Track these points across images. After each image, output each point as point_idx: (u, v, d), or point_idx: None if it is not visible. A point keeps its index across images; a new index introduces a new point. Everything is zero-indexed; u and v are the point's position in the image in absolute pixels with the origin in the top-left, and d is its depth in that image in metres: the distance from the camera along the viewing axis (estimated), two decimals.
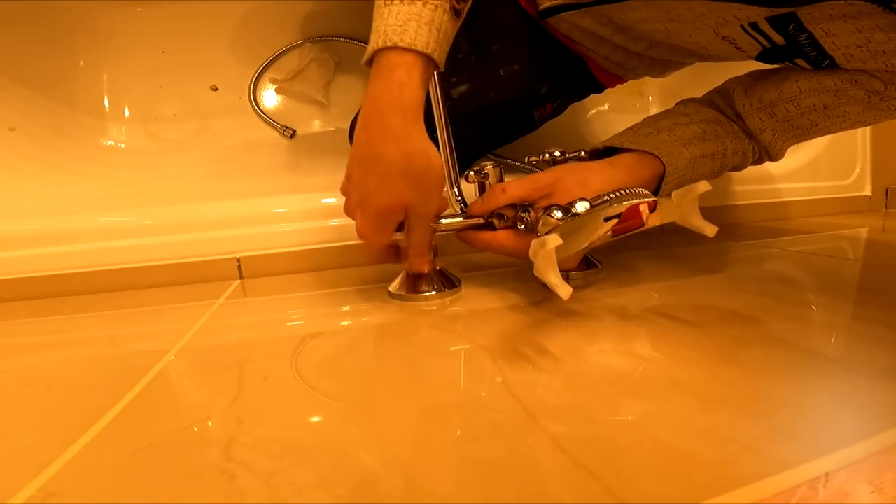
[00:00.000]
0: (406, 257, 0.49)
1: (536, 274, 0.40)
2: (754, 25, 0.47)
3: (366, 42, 0.43)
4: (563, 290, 0.38)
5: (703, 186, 0.42)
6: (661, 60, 0.64)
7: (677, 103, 0.60)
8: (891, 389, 0.28)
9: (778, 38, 0.48)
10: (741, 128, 0.56)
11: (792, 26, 0.45)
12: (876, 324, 0.38)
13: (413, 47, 0.41)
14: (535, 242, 0.38)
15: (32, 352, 0.44)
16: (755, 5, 0.45)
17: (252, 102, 1.01)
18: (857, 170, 0.97)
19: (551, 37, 0.66)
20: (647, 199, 0.42)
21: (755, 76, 0.56)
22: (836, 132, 0.55)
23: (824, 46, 0.46)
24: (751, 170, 0.83)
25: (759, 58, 0.53)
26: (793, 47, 0.48)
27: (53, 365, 0.39)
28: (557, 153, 0.55)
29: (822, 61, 0.48)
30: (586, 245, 0.44)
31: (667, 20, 0.52)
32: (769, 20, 0.46)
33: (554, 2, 0.59)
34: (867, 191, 0.98)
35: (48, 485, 0.23)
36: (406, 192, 0.42)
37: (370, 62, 0.43)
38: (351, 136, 0.76)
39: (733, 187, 0.85)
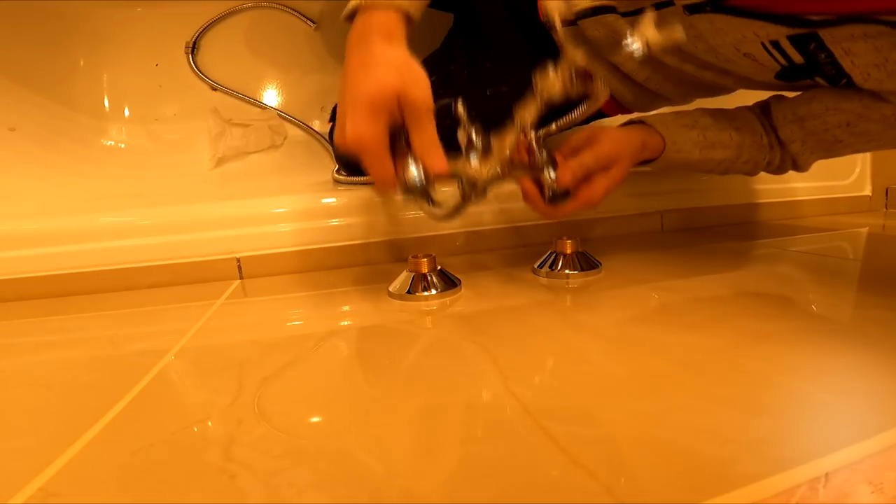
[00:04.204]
0: (401, 187, 0.45)
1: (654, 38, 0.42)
2: (775, 44, 0.48)
3: None
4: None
5: (679, 31, 0.42)
6: (677, 87, 0.64)
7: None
8: (891, 389, 0.28)
9: (797, 57, 0.48)
10: (774, 137, 0.59)
11: (813, 45, 0.46)
12: (876, 324, 0.38)
13: (391, 5, 0.43)
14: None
15: (32, 352, 0.44)
16: (777, 24, 0.45)
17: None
18: (857, 170, 0.97)
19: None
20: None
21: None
22: (861, 151, 0.58)
23: (843, 65, 0.47)
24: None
25: (779, 76, 0.54)
26: (812, 66, 0.49)
27: (53, 365, 0.39)
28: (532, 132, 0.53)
29: (839, 79, 0.49)
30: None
31: (697, 34, 0.52)
32: (790, 38, 0.47)
33: (597, 2, 0.57)
34: (867, 191, 0.98)
35: (48, 485, 0.23)
36: (392, 75, 0.42)
37: (350, 17, 0.45)
38: (332, 138, 0.75)
39: (734, 186, 0.85)
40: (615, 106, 0.69)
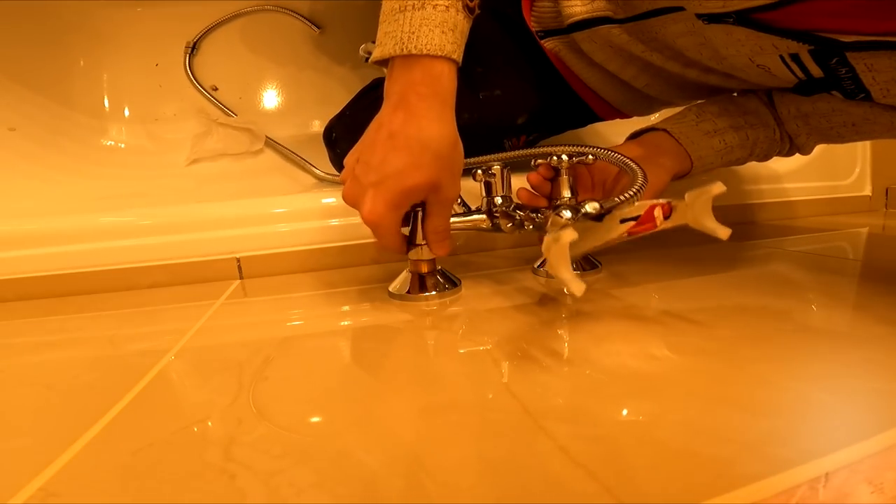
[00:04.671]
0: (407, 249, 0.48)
1: (548, 269, 0.40)
2: (795, 57, 0.46)
3: None
4: (576, 286, 0.37)
5: (717, 188, 0.41)
6: (678, 91, 0.63)
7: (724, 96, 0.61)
8: (890, 390, 0.28)
9: (816, 71, 0.47)
10: (783, 129, 0.59)
11: (835, 60, 0.45)
12: (875, 324, 0.38)
13: (441, 53, 0.41)
14: (548, 238, 0.38)
15: (32, 352, 0.44)
16: (802, 42, 0.44)
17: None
18: (857, 170, 0.97)
19: (545, 69, 0.65)
20: (661, 202, 0.42)
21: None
22: (859, 142, 0.59)
23: (863, 81, 0.45)
24: (750, 169, 0.83)
25: (795, 89, 0.53)
26: (831, 80, 0.47)
27: (53, 365, 0.39)
28: (565, 156, 0.53)
29: (857, 94, 0.48)
30: (599, 245, 0.44)
31: (703, 41, 0.51)
32: (812, 52, 0.45)
33: (592, 14, 0.55)
34: (867, 191, 0.98)
35: (48, 485, 0.23)
36: (436, 172, 0.41)
37: (380, 62, 0.43)
38: (327, 139, 0.75)
39: (733, 187, 0.85)
40: (611, 110, 0.69)
